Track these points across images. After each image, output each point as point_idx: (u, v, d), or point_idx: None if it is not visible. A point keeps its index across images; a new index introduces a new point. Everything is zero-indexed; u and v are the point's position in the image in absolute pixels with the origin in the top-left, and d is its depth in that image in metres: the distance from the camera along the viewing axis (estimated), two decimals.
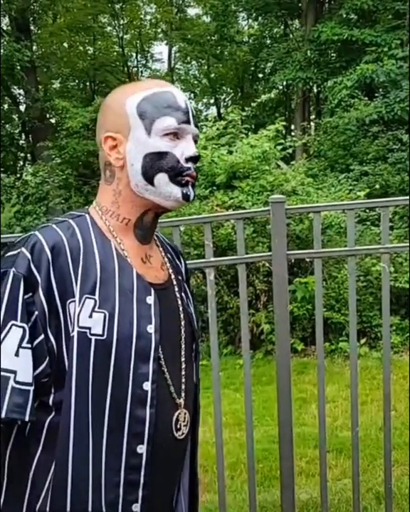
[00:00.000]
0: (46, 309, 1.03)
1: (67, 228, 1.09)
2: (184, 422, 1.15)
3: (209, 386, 4.80)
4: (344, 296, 5.89)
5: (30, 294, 1.02)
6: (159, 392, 1.09)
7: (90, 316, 1.04)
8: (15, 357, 1.00)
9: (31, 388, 1.01)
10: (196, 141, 1.14)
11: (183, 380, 1.16)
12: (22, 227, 8.21)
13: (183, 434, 1.15)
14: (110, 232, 1.12)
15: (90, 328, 1.04)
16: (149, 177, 1.10)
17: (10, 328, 1.00)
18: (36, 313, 1.02)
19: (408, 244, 2.82)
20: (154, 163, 1.09)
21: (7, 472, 1.06)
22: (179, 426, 1.14)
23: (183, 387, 1.16)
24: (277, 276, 2.44)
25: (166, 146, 1.09)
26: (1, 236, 2.30)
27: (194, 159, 1.11)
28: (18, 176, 13.41)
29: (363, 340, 5.79)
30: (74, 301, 1.04)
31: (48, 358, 1.03)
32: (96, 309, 1.05)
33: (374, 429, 4.02)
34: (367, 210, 6.75)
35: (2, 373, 0.99)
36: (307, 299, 5.71)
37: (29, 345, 1.01)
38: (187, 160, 1.10)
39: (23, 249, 1.04)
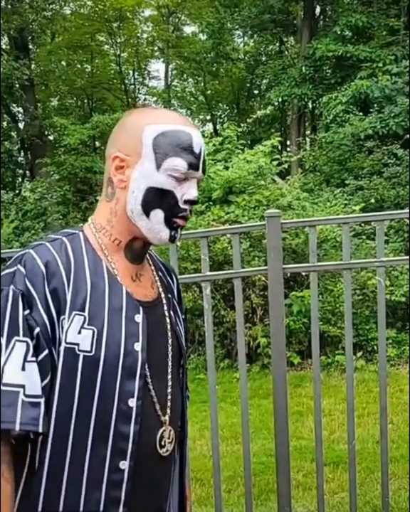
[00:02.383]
0: (47, 324, 1.05)
1: (60, 246, 1.11)
2: (168, 438, 1.16)
3: (207, 399, 4.81)
4: (340, 309, 5.91)
5: (29, 310, 1.05)
6: (144, 409, 1.10)
7: (79, 333, 1.06)
8: (22, 371, 1.02)
9: (42, 400, 1.03)
10: (199, 183, 1.17)
11: (169, 397, 1.17)
12: (21, 243, 8.24)
13: (167, 451, 1.16)
14: (102, 250, 1.14)
15: (78, 344, 1.06)
16: (146, 209, 1.12)
17: (14, 344, 1.03)
18: (38, 328, 1.04)
19: (403, 257, 2.86)
20: (155, 198, 1.11)
21: None
22: (163, 443, 1.15)
23: (169, 404, 1.17)
24: (273, 290, 2.46)
25: (170, 184, 1.11)
26: (0, 252, 2.32)
27: (193, 203, 1.14)
28: (17, 192, 13.47)
29: (359, 354, 5.80)
30: (64, 317, 1.06)
31: (50, 374, 1.05)
32: (85, 326, 1.07)
33: (371, 442, 4.03)
34: (363, 224, 6.80)
35: (11, 388, 1.01)
36: (303, 313, 5.73)
37: (34, 359, 1.03)
38: (185, 202, 1.13)
39: (19, 267, 1.07)
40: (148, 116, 1.14)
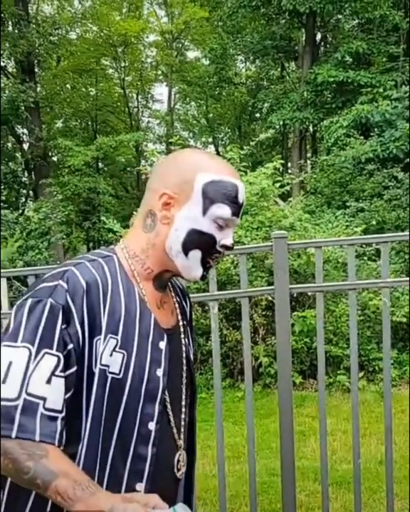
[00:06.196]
0: (80, 342, 1.08)
1: (99, 267, 1.14)
2: (182, 462, 1.22)
3: (208, 419, 4.81)
4: (341, 329, 5.94)
5: (66, 325, 1.07)
6: (163, 432, 1.14)
7: (111, 355, 1.09)
8: (46, 384, 1.04)
9: (60, 415, 1.05)
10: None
11: (182, 422, 1.23)
12: (24, 262, 8.30)
13: (182, 474, 1.22)
14: (134, 276, 1.18)
15: (108, 366, 1.09)
16: (186, 248, 1.17)
17: (43, 356, 1.04)
18: (72, 344, 1.07)
19: (407, 278, 2.91)
20: (196, 239, 1.17)
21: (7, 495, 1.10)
22: (179, 466, 1.20)
23: (182, 429, 1.22)
24: (280, 309, 2.48)
25: (212, 229, 1.17)
26: (2, 270, 2.37)
27: (228, 248, 1.20)
28: (21, 212, 13.59)
29: (361, 374, 5.80)
30: (100, 338, 1.09)
31: (72, 390, 1.07)
32: (117, 349, 1.10)
33: (374, 463, 4.03)
34: (364, 246, 6.86)
35: (32, 399, 1.02)
36: (305, 333, 5.75)
37: (62, 374, 1.05)
38: (222, 246, 1.19)
39: (61, 282, 1.09)
40: (202, 162, 1.19)
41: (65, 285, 1.08)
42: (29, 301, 1.08)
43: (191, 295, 2.73)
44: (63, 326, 1.06)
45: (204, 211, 1.16)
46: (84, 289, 1.09)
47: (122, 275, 1.16)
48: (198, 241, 1.17)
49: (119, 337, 1.10)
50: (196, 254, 1.17)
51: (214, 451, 3.11)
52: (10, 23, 14.38)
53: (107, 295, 1.11)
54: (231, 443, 4.45)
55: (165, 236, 1.17)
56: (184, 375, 1.24)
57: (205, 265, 1.19)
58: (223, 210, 1.17)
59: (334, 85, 13.10)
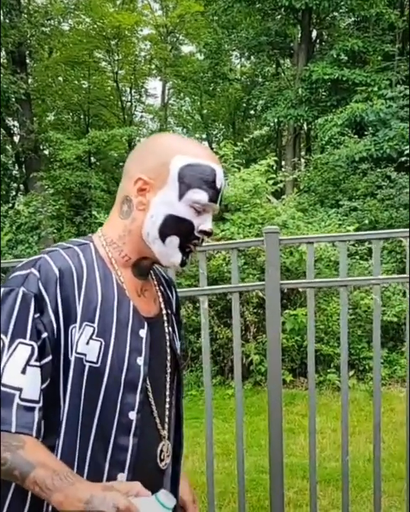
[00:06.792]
0: (55, 330, 1.06)
1: (74, 255, 1.12)
2: (166, 452, 1.20)
3: (197, 416, 4.80)
4: (332, 328, 5.95)
5: (39, 313, 1.05)
6: (144, 422, 1.12)
7: (87, 343, 1.07)
8: (21, 374, 1.02)
9: (38, 405, 1.03)
10: (213, 214, 1.20)
11: (167, 412, 1.20)
12: (14, 256, 8.24)
13: (166, 464, 1.20)
14: (112, 263, 1.16)
15: (85, 355, 1.07)
16: (163, 234, 1.14)
17: (17, 346, 1.03)
18: (46, 333, 1.05)
19: (400, 276, 2.90)
20: (173, 225, 1.14)
21: None
22: (162, 456, 1.18)
23: (166, 419, 1.20)
24: (270, 305, 2.47)
25: (189, 214, 1.14)
26: None
27: (207, 234, 1.17)
28: (11, 205, 13.49)
29: (351, 373, 5.82)
30: (75, 326, 1.07)
31: (48, 380, 1.06)
32: (94, 337, 1.08)
33: (362, 461, 4.04)
34: (356, 245, 6.87)
35: (7, 390, 1.01)
36: (296, 331, 5.75)
37: (37, 363, 1.03)
38: (200, 232, 1.16)
39: (33, 270, 1.07)
40: (179, 146, 1.16)
41: (37, 273, 1.06)
42: (1, 291, 1.06)
43: (181, 290, 2.73)
44: (36, 315, 1.04)
45: (180, 196, 1.13)
46: (57, 276, 1.07)
47: (98, 263, 1.14)
48: (176, 227, 1.14)
49: (95, 325, 1.08)
50: (173, 240, 1.14)
51: (203, 448, 3.09)
52: (1, 12, 14.21)
53: (83, 282, 1.09)
54: (221, 440, 4.45)
55: (141, 222, 1.15)
56: (168, 364, 1.22)
57: (184, 250, 1.16)
58: (200, 196, 1.13)
59: (329, 83, 13.09)
